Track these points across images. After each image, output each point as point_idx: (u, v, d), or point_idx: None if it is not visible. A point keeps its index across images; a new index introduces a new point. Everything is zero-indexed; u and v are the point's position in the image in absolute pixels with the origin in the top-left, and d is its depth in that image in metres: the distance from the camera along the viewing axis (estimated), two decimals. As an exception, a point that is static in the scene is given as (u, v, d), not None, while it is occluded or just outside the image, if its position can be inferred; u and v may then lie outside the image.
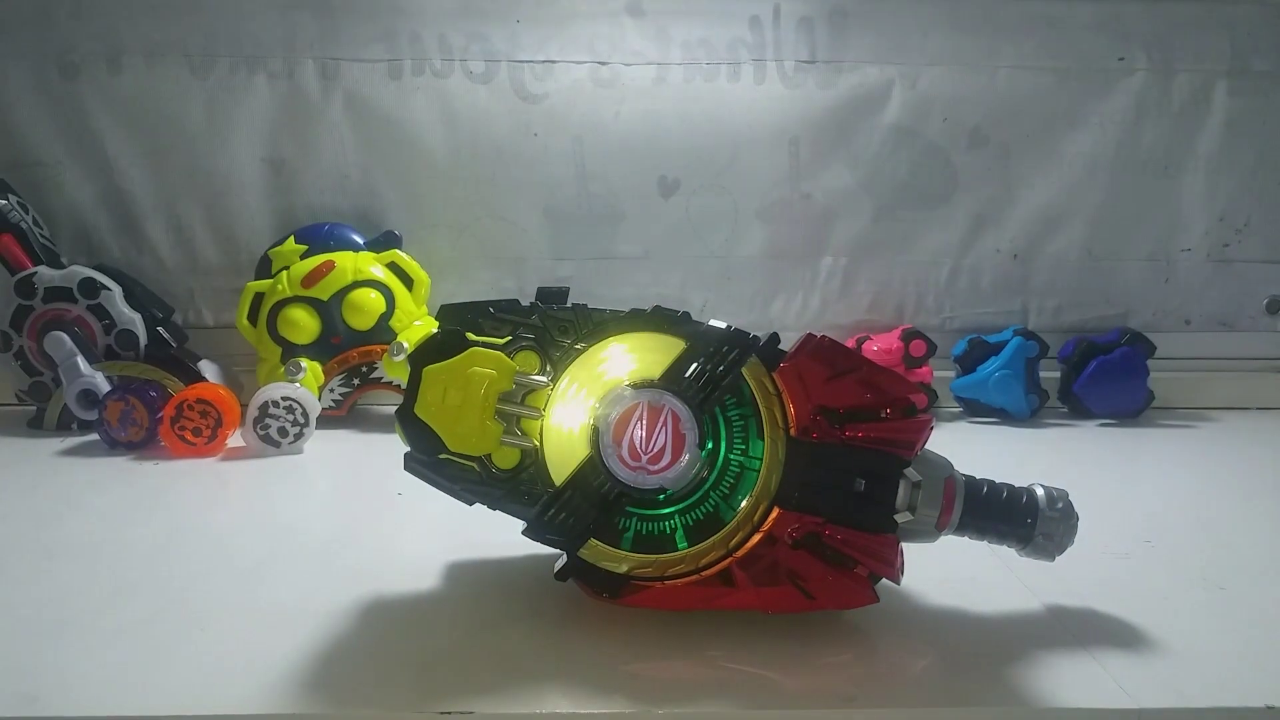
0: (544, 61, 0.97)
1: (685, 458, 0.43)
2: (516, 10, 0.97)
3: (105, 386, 0.85)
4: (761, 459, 0.44)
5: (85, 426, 0.86)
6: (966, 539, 0.47)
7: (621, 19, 0.98)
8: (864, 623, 0.46)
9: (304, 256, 0.92)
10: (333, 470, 0.79)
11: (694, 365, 0.44)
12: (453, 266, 1.00)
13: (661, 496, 0.44)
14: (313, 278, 0.90)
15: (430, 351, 0.46)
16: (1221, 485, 0.77)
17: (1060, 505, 0.46)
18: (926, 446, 0.45)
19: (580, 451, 0.44)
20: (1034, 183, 1.02)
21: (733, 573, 0.43)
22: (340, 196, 0.99)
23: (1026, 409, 0.96)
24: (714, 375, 0.43)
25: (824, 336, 0.45)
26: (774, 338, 0.45)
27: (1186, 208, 1.03)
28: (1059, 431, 0.94)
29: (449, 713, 0.38)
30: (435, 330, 0.47)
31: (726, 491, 0.44)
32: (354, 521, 0.65)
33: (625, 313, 0.46)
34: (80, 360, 0.85)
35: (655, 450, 0.43)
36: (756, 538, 0.43)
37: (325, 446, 0.83)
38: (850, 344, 0.98)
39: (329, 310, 0.90)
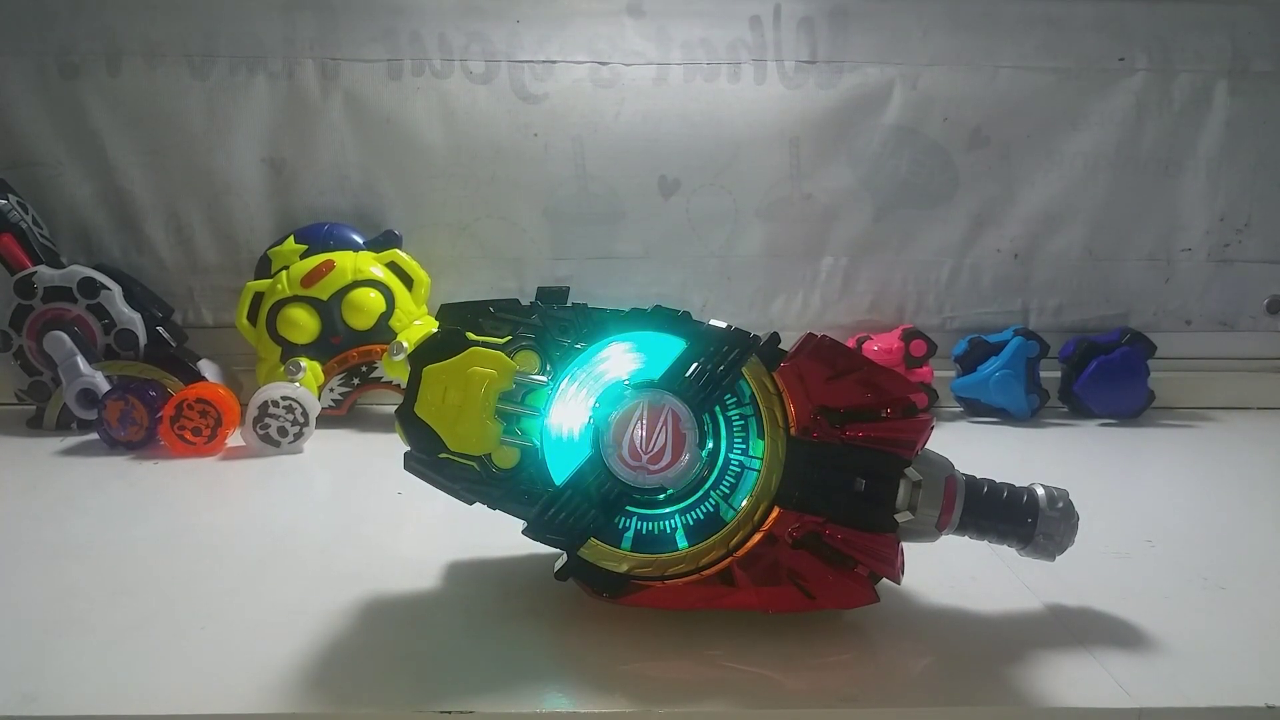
0: (544, 61, 0.97)
1: (685, 457, 0.43)
2: (516, 10, 0.97)
3: (105, 386, 0.85)
4: (762, 458, 0.44)
5: (85, 426, 0.86)
6: (967, 539, 0.47)
7: (621, 19, 0.98)
8: (864, 623, 0.46)
9: (304, 256, 0.92)
10: (333, 470, 0.79)
11: (694, 365, 0.44)
12: (453, 266, 0.99)
13: (662, 496, 0.44)
14: (312, 277, 0.90)
15: (430, 351, 0.46)
16: (1221, 485, 0.77)
17: (1060, 505, 0.46)
18: (927, 446, 0.45)
19: (580, 451, 0.44)
20: (1034, 183, 1.02)
21: (733, 572, 0.43)
22: (340, 196, 0.99)
23: (1027, 409, 0.96)
24: (714, 375, 0.43)
25: (824, 336, 0.45)
26: (774, 337, 0.45)
27: (1187, 208, 1.03)
28: (1059, 431, 0.94)
29: (449, 712, 0.38)
30: (435, 330, 0.47)
31: (727, 491, 0.44)
32: (354, 521, 0.65)
33: (625, 312, 0.45)
34: (80, 360, 0.85)
35: (655, 450, 0.43)
36: (757, 537, 0.43)
37: (325, 446, 0.83)
38: (850, 344, 0.98)
39: (329, 310, 0.90)
